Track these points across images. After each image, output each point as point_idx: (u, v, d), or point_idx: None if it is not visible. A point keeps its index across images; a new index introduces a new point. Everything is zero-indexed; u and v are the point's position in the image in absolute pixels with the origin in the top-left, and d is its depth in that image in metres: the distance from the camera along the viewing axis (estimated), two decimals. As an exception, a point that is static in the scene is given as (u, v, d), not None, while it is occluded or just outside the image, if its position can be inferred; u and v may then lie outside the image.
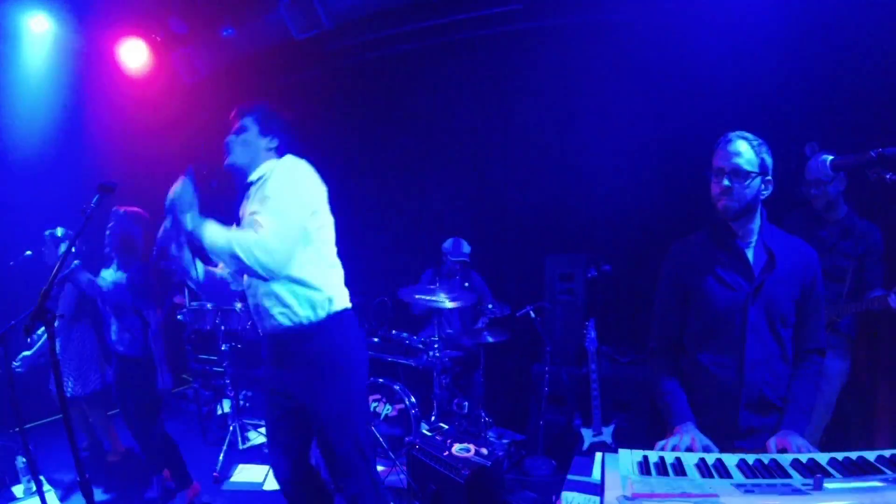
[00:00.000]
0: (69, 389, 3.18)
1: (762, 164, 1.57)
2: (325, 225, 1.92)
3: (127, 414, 2.86)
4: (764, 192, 1.59)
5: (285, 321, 1.85)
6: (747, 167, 1.55)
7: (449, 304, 3.29)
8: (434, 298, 3.30)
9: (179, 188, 1.71)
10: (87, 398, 3.28)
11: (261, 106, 1.99)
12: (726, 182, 1.56)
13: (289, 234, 1.73)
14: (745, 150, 1.55)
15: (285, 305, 1.83)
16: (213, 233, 1.69)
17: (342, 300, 1.95)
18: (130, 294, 2.75)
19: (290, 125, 2.03)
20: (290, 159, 1.94)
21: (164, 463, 2.97)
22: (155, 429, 2.86)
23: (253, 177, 1.92)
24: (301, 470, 2.05)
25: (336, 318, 1.89)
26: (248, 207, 1.87)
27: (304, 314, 1.84)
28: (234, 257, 1.65)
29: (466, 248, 3.96)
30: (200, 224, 1.69)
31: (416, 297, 3.37)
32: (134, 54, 4.41)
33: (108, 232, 2.80)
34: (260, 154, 1.93)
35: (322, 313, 1.86)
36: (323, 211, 1.91)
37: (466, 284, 4.04)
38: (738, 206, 1.57)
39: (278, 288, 1.82)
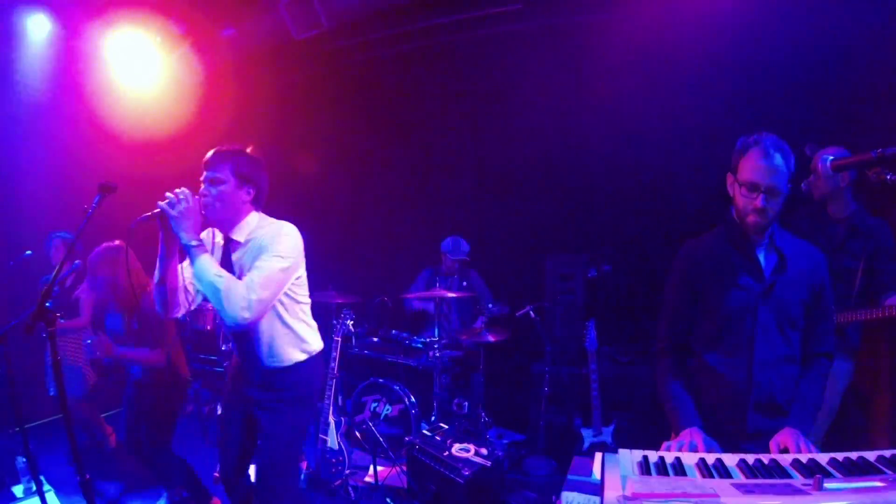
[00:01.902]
0: (74, 389, 3.29)
1: (791, 176, 1.51)
2: (305, 283, 2.05)
3: (138, 436, 2.77)
4: None
5: (276, 364, 2.01)
6: (783, 186, 1.49)
7: (450, 294, 3.52)
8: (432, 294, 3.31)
9: (187, 199, 1.75)
10: (86, 397, 3.32)
11: (237, 154, 1.93)
12: (761, 203, 1.49)
13: (269, 303, 1.83)
14: (782, 166, 1.48)
15: (275, 355, 1.99)
16: (207, 262, 1.77)
17: (318, 344, 2.16)
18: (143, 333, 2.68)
19: (265, 173, 1.99)
20: (281, 227, 1.93)
21: (181, 483, 2.89)
22: (167, 448, 2.77)
23: (238, 236, 1.92)
24: (239, 474, 2.19)
25: (313, 358, 2.10)
26: (243, 262, 1.91)
27: (293, 360, 2.03)
28: (216, 294, 1.73)
29: (465, 247, 3.96)
30: (199, 244, 1.78)
31: (415, 295, 3.38)
32: (133, 54, 4.41)
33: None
34: (239, 208, 1.92)
35: (304, 357, 2.06)
36: (303, 273, 2.03)
37: (465, 284, 4.05)
38: (768, 223, 1.54)
39: (277, 341, 1.97)
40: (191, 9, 4.17)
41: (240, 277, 1.84)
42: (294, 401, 2.03)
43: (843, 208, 2.37)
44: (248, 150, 1.96)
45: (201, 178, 1.90)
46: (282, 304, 1.94)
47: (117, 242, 2.72)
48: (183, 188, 1.79)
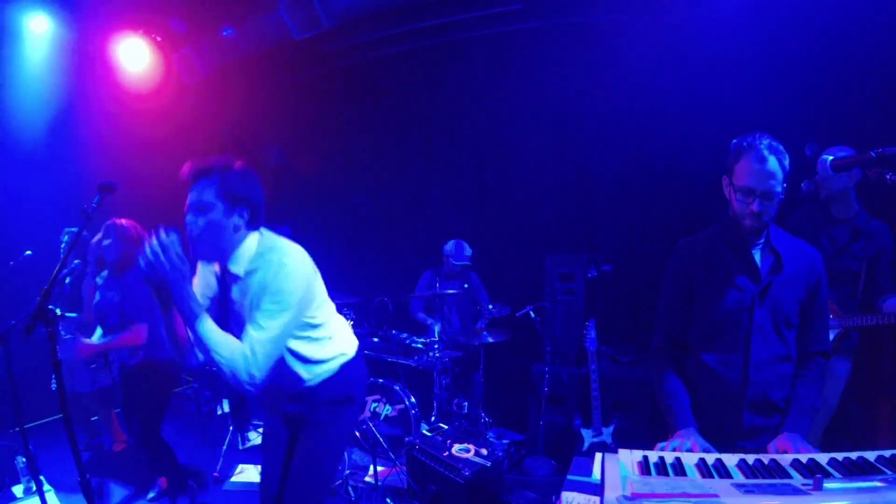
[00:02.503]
0: (81, 384, 3.32)
1: (786, 176, 1.51)
2: (324, 300, 1.85)
3: (130, 419, 2.82)
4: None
5: (300, 387, 1.84)
6: (779, 188, 1.49)
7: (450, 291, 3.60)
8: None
9: (169, 253, 1.44)
10: (95, 394, 3.33)
11: (222, 170, 1.60)
12: (757, 207, 1.50)
13: (277, 351, 1.61)
14: (777, 169, 1.48)
15: (295, 381, 1.82)
16: (206, 332, 1.51)
17: (350, 352, 1.95)
18: (124, 306, 2.69)
19: (259, 186, 1.68)
20: (282, 257, 1.64)
21: (161, 469, 2.95)
22: (158, 433, 2.82)
23: (236, 268, 1.66)
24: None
25: (344, 367, 1.90)
26: (243, 301, 1.68)
27: (318, 378, 1.84)
28: (216, 362, 1.53)
29: (468, 251, 3.96)
30: (202, 311, 1.53)
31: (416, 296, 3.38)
32: (134, 54, 4.42)
33: (105, 242, 2.69)
34: (232, 236, 1.62)
35: (332, 372, 1.87)
36: (320, 289, 1.82)
37: (466, 286, 4.05)
38: (764, 225, 1.56)
39: (295, 369, 1.79)
40: (191, 9, 4.17)
41: (242, 318, 1.63)
42: (329, 409, 1.83)
43: (848, 209, 2.36)
44: (237, 163, 1.66)
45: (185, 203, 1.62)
46: (295, 338, 1.72)
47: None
48: (170, 235, 1.46)
